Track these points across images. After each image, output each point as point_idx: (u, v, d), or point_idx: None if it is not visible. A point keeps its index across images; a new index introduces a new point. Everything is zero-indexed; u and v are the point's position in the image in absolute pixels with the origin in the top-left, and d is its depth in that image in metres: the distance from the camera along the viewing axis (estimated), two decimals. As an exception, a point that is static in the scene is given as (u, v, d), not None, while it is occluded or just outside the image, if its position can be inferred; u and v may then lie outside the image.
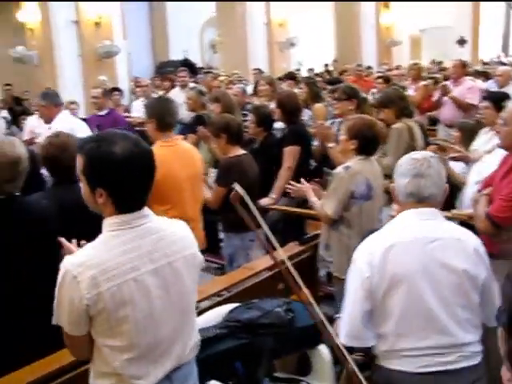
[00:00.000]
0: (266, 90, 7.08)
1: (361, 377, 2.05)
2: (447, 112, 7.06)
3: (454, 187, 3.92)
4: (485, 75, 10.04)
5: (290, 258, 3.60)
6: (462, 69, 7.41)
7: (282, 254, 2.28)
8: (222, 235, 4.75)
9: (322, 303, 3.77)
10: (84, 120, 6.94)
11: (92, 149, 1.85)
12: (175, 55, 17.53)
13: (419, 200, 2.32)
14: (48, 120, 5.67)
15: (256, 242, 4.08)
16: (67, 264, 1.80)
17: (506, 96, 4.45)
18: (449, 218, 2.82)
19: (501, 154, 3.36)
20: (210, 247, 4.46)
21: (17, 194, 2.70)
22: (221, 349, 2.52)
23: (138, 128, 7.58)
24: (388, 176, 3.30)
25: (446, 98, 7.07)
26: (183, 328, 2.00)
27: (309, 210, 4.02)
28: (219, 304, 2.95)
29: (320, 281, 3.94)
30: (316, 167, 5.27)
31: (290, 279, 2.13)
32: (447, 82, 7.42)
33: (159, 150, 3.65)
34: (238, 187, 2.17)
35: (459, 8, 17.69)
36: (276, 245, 2.20)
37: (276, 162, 4.94)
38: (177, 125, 4.55)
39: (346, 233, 3.47)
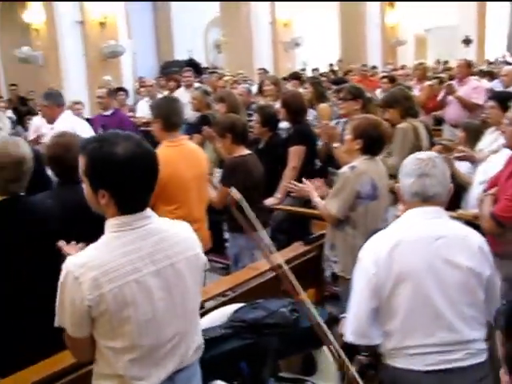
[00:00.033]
0: (271, 90, 7.09)
1: (361, 383, 2.05)
2: (452, 112, 7.03)
3: (460, 187, 3.91)
4: (490, 75, 10.01)
5: (295, 257, 3.63)
6: (467, 69, 7.37)
7: (279, 257, 2.28)
8: (227, 235, 4.76)
9: (327, 303, 3.80)
10: (89, 120, 6.96)
11: (94, 149, 1.84)
12: (180, 55, 17.52)
13: (424, 199, 2.33)
14: (50, 120, 5.63)
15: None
16: (69, 265, 1.80)
17: (511, 96, 4.43)
18: (454, 218, 2.82)
19: (506, 153, 3.36)
20: (215, 247, 4.47)
21: (21, 193, 2.70)
22: (226, 349, 2.51)
23: (142, 128, 7.62)
24: (393, 176, 3.29)
25: (450, 98, 7.03)
26: (186, 329, 1.99)
27: (314, 210, 4.02)
28: (224, 304, 2.94)
29: (326, 281, 3.93)
30: (321, 167, 5.25)
31: (288, 283, 2.13)
32: (453, 82, 7.38)
33: (165, 150, 3.67)
34: (234, 191, 2.17)
35: (464, 7, 17.61)
36: (273, 248, 2.19)
37: (281, 162, 4.95)
38: (182, 125, 4.55)
39: (352, 233, 3.46)
